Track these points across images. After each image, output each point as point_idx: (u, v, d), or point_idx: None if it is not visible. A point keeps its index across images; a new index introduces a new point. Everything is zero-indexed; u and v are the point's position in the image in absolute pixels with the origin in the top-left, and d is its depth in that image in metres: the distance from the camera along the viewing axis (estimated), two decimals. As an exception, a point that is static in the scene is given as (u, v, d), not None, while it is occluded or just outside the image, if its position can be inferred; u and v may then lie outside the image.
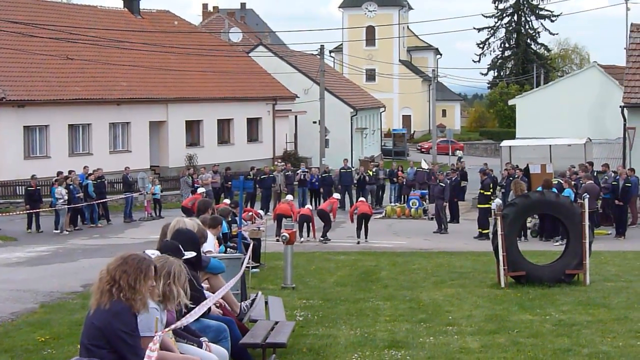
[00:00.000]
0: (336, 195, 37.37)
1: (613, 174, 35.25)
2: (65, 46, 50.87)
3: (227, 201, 30.31)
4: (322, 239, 32.39)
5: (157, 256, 8.72)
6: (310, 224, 32.66)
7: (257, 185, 44.07)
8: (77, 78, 50.70)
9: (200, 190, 39.06)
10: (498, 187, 37.73)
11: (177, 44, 59.45)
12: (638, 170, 36.70)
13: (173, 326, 7.25)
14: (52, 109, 47.87)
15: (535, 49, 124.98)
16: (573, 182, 32.26)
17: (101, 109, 51.04)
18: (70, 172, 38.80)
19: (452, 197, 38.34)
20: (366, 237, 32.37)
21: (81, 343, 7.29)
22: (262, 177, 45.43)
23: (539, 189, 25.94)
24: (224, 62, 63.63)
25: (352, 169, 48.34)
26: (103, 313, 7.06)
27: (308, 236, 32.55)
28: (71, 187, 36.58)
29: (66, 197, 35.92)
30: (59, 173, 38.16)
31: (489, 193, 34.09)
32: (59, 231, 35.62)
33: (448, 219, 37.36)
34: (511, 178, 34.19)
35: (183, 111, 57.33)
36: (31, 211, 36.10)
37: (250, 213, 30.00)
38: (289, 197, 36.59)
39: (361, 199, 36.86)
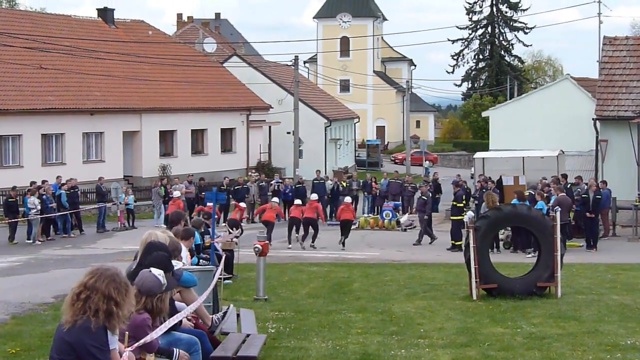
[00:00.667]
0: (347, 199, 36.72)
1: (585, 186, 35.50)
2: (38, 55, 50.71)
3: (210, 204, 29.85)
4: (312, 245, 33.37)
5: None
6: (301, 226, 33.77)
7: (230, 196, 43.98)
8: (50, 88, 50.54)
9: (176, 194, 39.10)
10: (471, 199, 37.81)
11: (152, 53, 59.40)
12: (610, 183, 36.93)
13: (142, 341, 7.22)
14: (25, 118, 47.69)
15: (509, 60, 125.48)
16: (545, 195, 32.43)
17: (75, 118, 50.87)
18: (43, 182, 38.60)
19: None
20: (343, 245, 33.18)
21: (51, 357, 7.26)
22: (235, 187, 45.36)
23: (514, 200, 26.07)
24: (198, 72, 63.57)
25: (324, 180, 48.30)
26: (74, 329, 7.03)
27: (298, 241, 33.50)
28: (44, 197, 36.42)
29: (39, 207, 35.76)
30: (32, 183, 37.95)
31: (462, 205, 34.14)
32: (31, 241, 35.44)
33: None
34: (484, 190, 34.32)
35: (157, 121, 57.21)
36: (12, 220, 35.90)
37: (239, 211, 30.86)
38: (275, 200, 37.42)
39: (347, 199, 36.68)
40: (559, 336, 14.94)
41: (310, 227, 33.72)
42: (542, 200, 30.11)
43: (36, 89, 49.60)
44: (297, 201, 36.54)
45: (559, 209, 25.13)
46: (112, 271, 7.32)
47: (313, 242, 33.44)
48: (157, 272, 8.83)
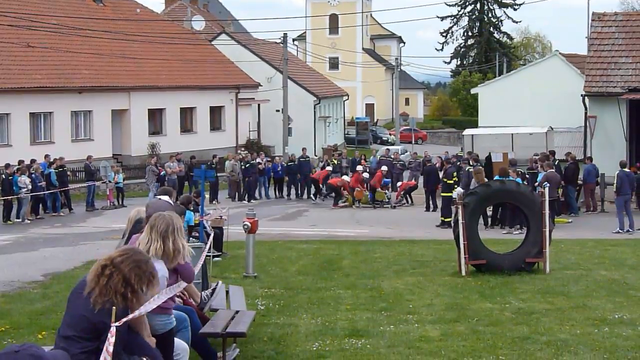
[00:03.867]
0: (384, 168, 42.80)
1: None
2: (26, 34, 50.47)
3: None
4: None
5: (155, 215, 8.71)
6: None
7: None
8: (38, 66, 50.30)
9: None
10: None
11: (140, 31, 59.17)
12: (599, 159, 37.04)
13: (131, 316, 7.20)
14: (13, 97, 47.46)
15: (498, 37, 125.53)
16: (533, 171, 32.67)
17: (63, 97, 50.66)
18: (32, 161, 38.50)
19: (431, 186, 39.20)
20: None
21: (63, 334, 7.22)
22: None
23: (497, 177, 26.11)
24: (187, 50, 63.32)
25: (310, 158, 48.50)
26: (102, 311, 7.01)
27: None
28: (33, 175, 36.36)
29: (29, 186, 35.71)
30: (21, 162, 37.83)
31: (452, 181, 34.31)
32: (20, 220, 35.40)
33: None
34: (470, 168, 34.55)
35: (145, 99, 57.03)
36: (7, 198, 35.80)
37: None
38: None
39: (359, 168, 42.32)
40: (547, 311, 15.01)
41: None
42: (518, 177, 30.05)
43: (24, 68, 49.36)
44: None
45: (548, 185, 25.22)
46: (140, 257, 7.29)
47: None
48: (166, 198, 8.85)
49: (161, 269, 8.43)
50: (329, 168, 44.24)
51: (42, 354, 6.14)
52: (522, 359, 11.57)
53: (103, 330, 6.97)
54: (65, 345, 7.09)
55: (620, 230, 29.81)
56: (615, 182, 30.40)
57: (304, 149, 49.57)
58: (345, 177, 42.04)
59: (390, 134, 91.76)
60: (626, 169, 30.68)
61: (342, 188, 41.60)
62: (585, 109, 41.18)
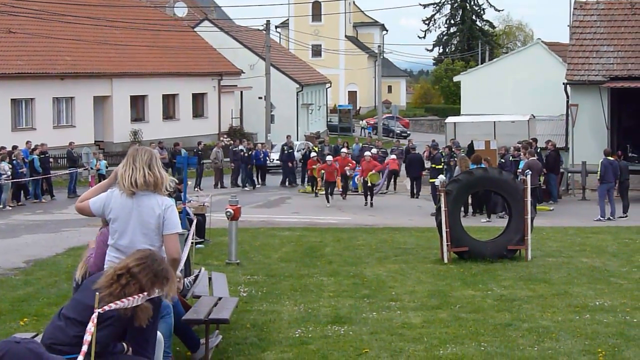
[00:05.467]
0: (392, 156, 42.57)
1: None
2: (7, 19, 50.24)
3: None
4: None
5: (134, 147, 8.69)
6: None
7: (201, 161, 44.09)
8: (19, 52, 50.08)
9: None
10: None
11: (122, 18, 58.96)
12: (581, 147, 37.27)
13: (114, 305, 7.20)
14: (-6, 83, 47.30)
15: (480, 25, 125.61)
16: (512, 159, 33.08)
17: (44, 83, 50.46)
18: (13, 147, 38.34)
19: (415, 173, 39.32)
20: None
21: (65, 313, 7.28)
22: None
23: (471, 165, 26.19)
24: (169, 37, 63.19)
25: (292, 145, 48.53)
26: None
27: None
28: (15, 162, 36.21)
29: (9, 173, 35.55)
30: (2, 148, 37.66)
31: (441, 167, 34.43)
32: (1, 206, 35.26)
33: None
34: (454, 156, 34.62)
35: (128, 86, 56.88)
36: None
37: None
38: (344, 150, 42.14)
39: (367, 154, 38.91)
40: (528, 298, 15.08)
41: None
42: (489, 166, 30.09)
43: (5, 54, 49.13)
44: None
45: (530, 172, 25.31)
46: (158, 264, 7.30)
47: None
48: None
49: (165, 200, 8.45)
50: (314, 155, 43.97)
51: (40, 352, 6.20)
52: (504, 345, 11.61)
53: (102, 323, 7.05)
54: (64, 325, 7.20)
55: (601, 218, 29.93)
56: (599, 170, 30.46)
57: (288, 136, 49.56)
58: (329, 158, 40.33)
59: (400, 122, 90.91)
60: (610, 158, 30.77)
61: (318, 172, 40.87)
62: (567, 97, 41.32)
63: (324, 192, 37.75)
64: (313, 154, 42.60)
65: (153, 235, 8.42)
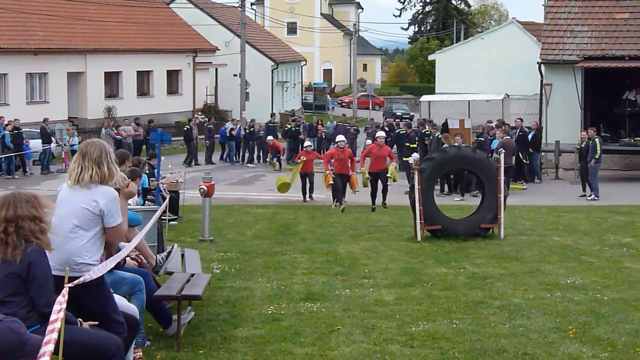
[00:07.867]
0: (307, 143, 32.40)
1: (526, 129, 36.09)
2: (-21, -6, 49.86)
3: (308, 143, 32.17)
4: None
5: (85, 142, 8.60)
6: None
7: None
8: (-8, 27, 49.74)
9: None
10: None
11: (96, -7, 58.59)
12: (554, 126, 37.37)
13: (82, 279, 7.16)
14: (-34, 58, 46.94)
15: (455, 4, 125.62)
16: (488, 138, 33.11)
17: (17, 58, 50.05)
18: (-14, 123, 38.16)
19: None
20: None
21: None
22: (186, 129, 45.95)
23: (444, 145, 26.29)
24: (144, 13, 62.83)
25: (277, 124, 48.67)
26: (24, 261, 6.92)
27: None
28: (-14, 138, 36.04)
29: (-18, 149, 35.42)
30: (-26, 124, 37.49)
31: (415, 145, 34.45)
32: (-27, 183, 35.13)
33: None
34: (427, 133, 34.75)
35: (102, 62, 56.52)
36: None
37: None
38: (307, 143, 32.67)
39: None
40: (501, 276, 15.17)
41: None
42: (463, 142, 30.13)
43: (-22, 29, 48.81)
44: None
45: (503, 151, 25.39)
46: (19, 193, 7.22)
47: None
48: None
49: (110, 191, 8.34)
50: (307, 145, 41.05)
51: (21, 332, 6.17)
52: (476, 322, 11.67)
53: (33, 278, 6.92)
54: (5, 309, 6.85)
55: (596, 198, 29.81)
56: (598, 149, 30.31)
57: (272, 114, 50.04)
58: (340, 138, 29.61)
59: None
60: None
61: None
62: (541, 76, 41.42)
63: (336, 201, 27.56)
64: (307, 144, 32.23)
65: (88, 220, 8.26)
